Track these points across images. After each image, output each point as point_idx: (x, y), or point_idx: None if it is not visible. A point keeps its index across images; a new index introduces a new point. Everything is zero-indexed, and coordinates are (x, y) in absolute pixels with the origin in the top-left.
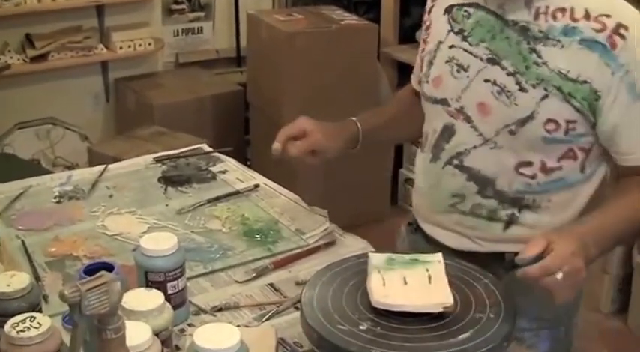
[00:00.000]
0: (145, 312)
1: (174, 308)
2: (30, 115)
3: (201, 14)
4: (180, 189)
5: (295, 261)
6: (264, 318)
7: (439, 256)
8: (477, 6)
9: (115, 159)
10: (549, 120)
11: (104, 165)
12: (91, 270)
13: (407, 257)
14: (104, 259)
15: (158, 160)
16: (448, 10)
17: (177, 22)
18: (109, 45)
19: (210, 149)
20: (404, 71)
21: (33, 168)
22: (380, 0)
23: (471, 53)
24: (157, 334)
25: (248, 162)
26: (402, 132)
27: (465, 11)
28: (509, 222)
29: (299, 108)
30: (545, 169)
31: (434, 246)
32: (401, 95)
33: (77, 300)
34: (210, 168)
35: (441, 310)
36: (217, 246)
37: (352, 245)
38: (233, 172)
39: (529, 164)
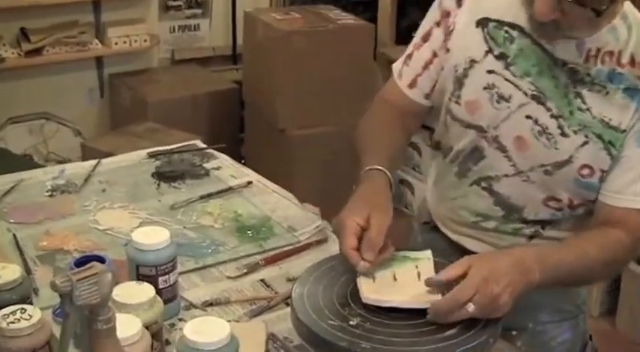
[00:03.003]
0: (136, 305)
1: (165, 302)
2: (23, 110)
3: (198, 11)
4: (173, 184)
5: (287, 257)
6: (255, 314)
7: (428, 253)
8: (520, 30)
9: (108, 155)
10: (585, 166)
11: (97, 160)
12: (83, 263)
13: (397, 253)
14: (95, 253)
15: (152, 155)
16: (483, 24)
17: (174, 18)
18: (104, 40)
19: (204, 146)
20: None
21: (25, 163)
22: (377, 0)
23: (513, 84)
24: (147, 327)
25: (242, 161)
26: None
27: (507, 33)
28: (533, 236)
29: (294, 108)
30: (572, 206)
31: (455, 247)
32: (384, 121)
33: (68, 290)
34: (204, 165)
35: (429, 306)
36: (209, 241)
37: None
38: (226, 169)
39: (558, 200)
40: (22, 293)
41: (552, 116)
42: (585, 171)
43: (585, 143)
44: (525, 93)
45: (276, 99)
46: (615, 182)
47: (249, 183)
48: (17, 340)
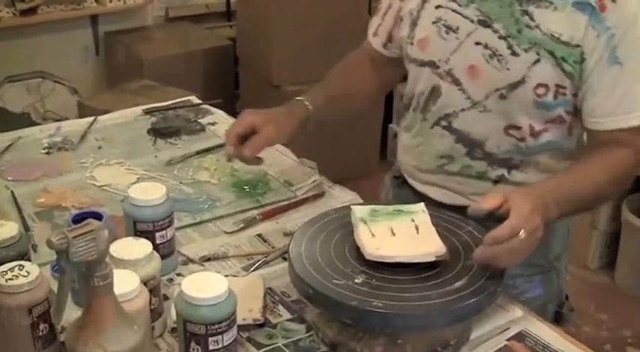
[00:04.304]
0: (133, 261)
1: (163, 258)
2: (20, 69)
3: None
4: (169, 140)
5: (283, 212)
6: (252, 268)
7: (422, 206)
8: None
9: (105, 113)
10: (540, 85)
11: (93, 117)
12: (80, 219)
13: (390, 208)
14: (93, 209)
15: (147, 112)
16: None
17: None
18: None
19: (200, 101)
20: None
21: (23, 122)
22: None
23: (460, 14)
24: (145, 283)
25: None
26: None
27: None
28: (498, 181)
29: (288, 63)
30: (533, 133)
31: (421, 199)
32: (349, 64)
33: (64, 247)
34: (200, 120)
35: (434, 259)
36: (206, 196)
37: (341, 197)
38: (222, 124)
39: (518, 128)
40: (19, 250)
41: (500, 37)
42: (540, 91)
43: (537, 61)
44: (472, 21)
45: (270, 55)
46: (602, 107)
47: None
48: (15, 296)
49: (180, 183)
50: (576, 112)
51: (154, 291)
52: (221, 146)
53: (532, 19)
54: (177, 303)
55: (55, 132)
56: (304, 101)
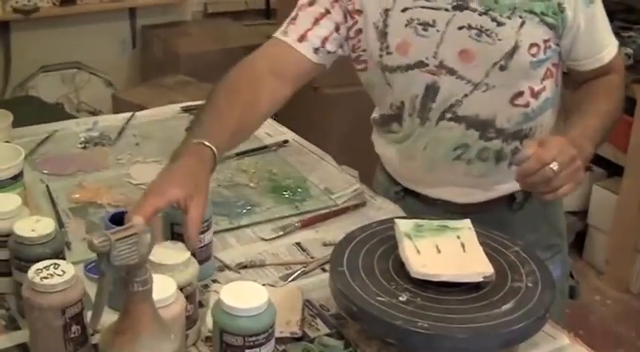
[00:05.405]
0: (171, 266)
1: (200, 263)
2: (56, 59)
3: None
4: None
5: (323, 220)
6: (291, 278)
7: (468, 222)
8: None
9: (140, 108)
10: (532, 45)
11: (131, 113)
12: (117, 219)
13: (435, 223)
14: (130, 209)
15: (186, 110)
16: None
17: None
18: None
19: None
20: None
21: (57, 112)
22: None
23: (431, 8)
24: (181, 289)
25: (275, 117)
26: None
27: None
28: (514, 153)
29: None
30: (534, 94)
31: (435, 206)
32: (241, 85)
33: (106, 250)
34: None
35: (481, 280)
36: (244, 200)
37: (382, 207)
38: (262, 126)
39: (521, 94)
40: (55, 247)
41: (481, 14)
42: (534, 50)
43: (523, 23)
44: (446, 9)
45: None
46: (593, 45)
47: (286, 142)
48: (50, 296)
49: (218, 185)
50: (559, 64)
51: (189, 298)
52: (260, 149)
53: None
54: (215, 312)
55: (92, 126)
56: (209, 145)
